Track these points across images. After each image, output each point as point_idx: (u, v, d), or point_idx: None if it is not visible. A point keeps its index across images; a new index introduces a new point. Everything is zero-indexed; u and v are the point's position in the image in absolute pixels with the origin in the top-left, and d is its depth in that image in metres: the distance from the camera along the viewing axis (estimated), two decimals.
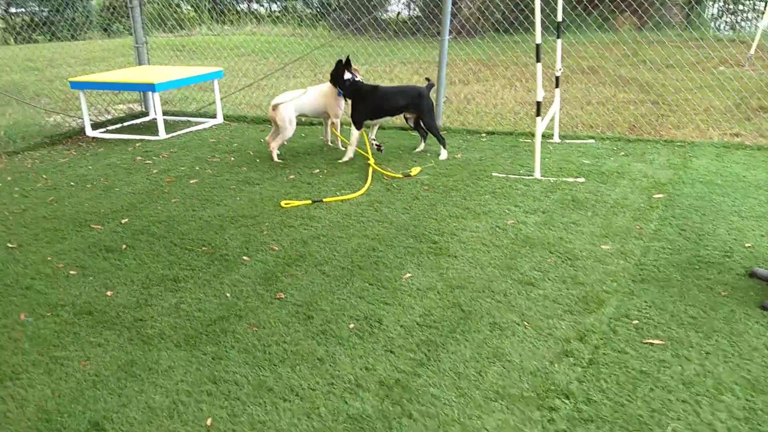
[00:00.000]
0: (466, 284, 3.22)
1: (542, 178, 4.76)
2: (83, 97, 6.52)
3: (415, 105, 5.28)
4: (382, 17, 18.06)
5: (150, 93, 7.31)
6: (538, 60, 4.58)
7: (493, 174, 4.91)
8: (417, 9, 18.00)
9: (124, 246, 3.82)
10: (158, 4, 11.04)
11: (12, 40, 16.45)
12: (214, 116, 7.14)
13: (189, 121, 7.16)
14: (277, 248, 3.71)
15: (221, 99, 7.17)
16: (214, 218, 4.20)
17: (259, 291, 3.23)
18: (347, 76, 5.25)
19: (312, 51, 9.91)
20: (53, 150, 6.06)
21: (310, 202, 4.40)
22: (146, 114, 7.47)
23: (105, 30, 16.68)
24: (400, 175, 4.89)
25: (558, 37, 5.43)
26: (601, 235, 3.76)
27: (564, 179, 4.73)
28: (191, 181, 4.96)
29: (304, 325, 2.91)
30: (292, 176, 5.02)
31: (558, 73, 5.54)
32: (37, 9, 15.90)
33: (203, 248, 3.76)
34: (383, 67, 10.32)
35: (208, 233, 3.96)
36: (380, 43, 11.50)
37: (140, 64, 7.43)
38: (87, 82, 6.39)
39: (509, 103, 7.61)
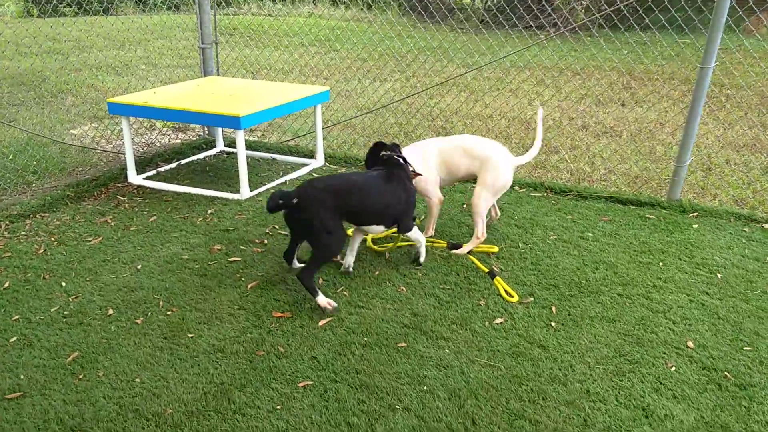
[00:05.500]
0: None
1: None
2: (126, 126, 4.27)
3: None
4: (456, 2, 15.52)
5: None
6: None
7: None
8: None
9: None
10: None
11: (35, 11, 14.25)
12: (311, 155, 4.89)
13: (274, 159, 4.92)
14: None
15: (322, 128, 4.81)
16: None
17: None
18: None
19: (501, 59, 7.68)
20: (78, 213, 3.87)
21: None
22: (212, 144, 5.21)
23: (139, 2, 14.39)
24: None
25: None
26: None
27: None
28: (321, 323, 2.75)
29: None
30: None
31: None
32: None
33: None
34: (494, 72, 7.98)
35: None
36: (464, 38, 9.10)
37: (206, 73, 5.15)
38: (134, 105, 4.09)
39: (714, 147, 5.28)
